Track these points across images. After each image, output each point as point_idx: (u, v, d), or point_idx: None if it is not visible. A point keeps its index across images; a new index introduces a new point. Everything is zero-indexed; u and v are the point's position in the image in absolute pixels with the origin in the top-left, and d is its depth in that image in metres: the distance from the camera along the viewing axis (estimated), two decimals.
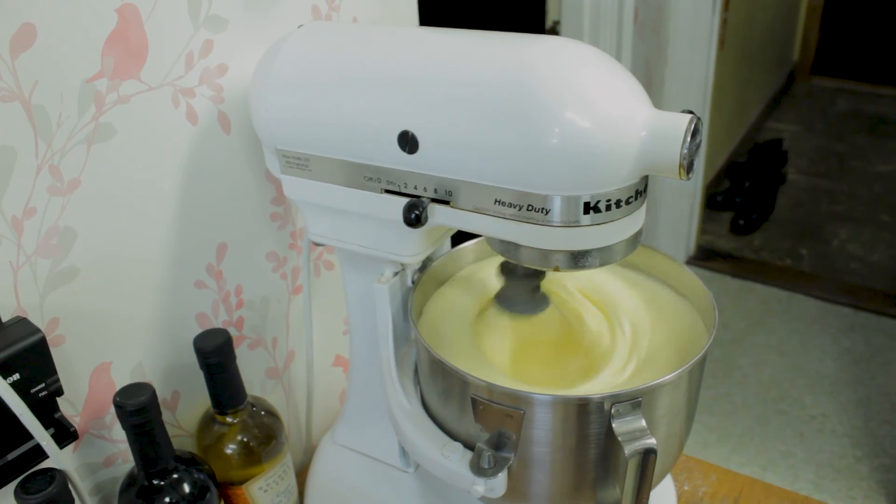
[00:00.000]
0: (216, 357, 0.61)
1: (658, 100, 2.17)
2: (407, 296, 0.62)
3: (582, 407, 0.50)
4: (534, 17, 1.67)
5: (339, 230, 0.59)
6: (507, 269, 0.63)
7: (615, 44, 1.75)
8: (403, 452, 0.70)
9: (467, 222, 0.52)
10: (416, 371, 0.63)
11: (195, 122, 0.62)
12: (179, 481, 0.60)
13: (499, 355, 0.59)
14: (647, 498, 0.52)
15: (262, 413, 0.68)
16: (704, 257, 2.49)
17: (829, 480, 1.72)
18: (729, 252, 2.54)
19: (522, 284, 0.62)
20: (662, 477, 0.62)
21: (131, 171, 0.58)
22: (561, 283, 0.64)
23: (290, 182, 0.59)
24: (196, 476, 0.61)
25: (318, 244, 0.62)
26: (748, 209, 2.65)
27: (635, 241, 0.52)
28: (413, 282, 0.62)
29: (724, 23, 2.24)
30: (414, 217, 0.52)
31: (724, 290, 2.34)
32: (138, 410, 0.55)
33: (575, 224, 0.48)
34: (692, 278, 0.61)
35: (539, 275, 0.62)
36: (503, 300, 0.63)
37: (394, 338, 0.62)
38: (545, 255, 0.50)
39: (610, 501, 0.56)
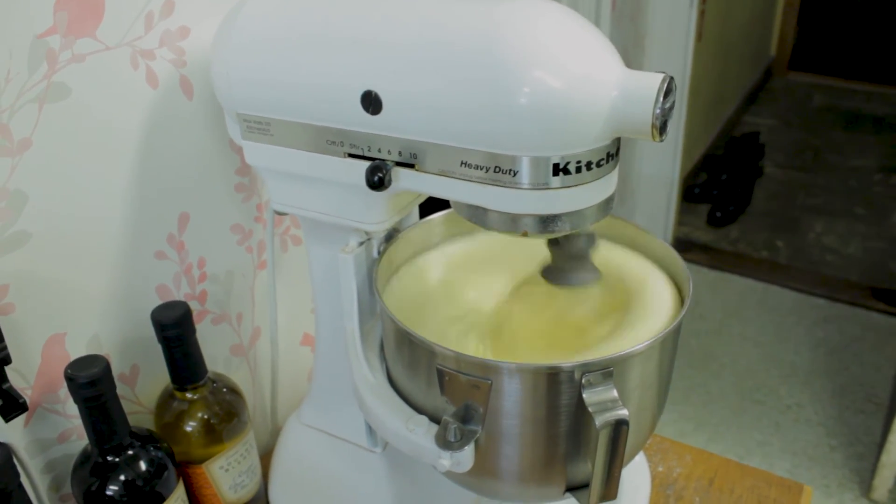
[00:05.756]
0: (174, 330, 0.59)
1: None
2: (373, 267, 0.60)
3: (551, 376, 0.49)
4: None
5: (302, 198, 0.57)
6: (556, 240, 0.58)
7: None
8: (370, 432, 0.68)
9: (433, 186, 0.50)
10: (381, 347, 0.61)
11: (155, 85, 0.60)
12: (135, 458, 0.58)
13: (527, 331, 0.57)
14: (619, 472, 0.51)
15: (224, 390, 0.65)
16: (681, 249, 2.50)
17: (805, 469, 1.73)
18: (706, 244, 2.55)
19: (572, 253, 0.59)
20: (634, 454, 0.61)
21: (88, 133, 0.56)
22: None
23: (252, 148, 0.57)
24: (153, 454, 0.59)
25: (280, 213, 0.60)
26: (725, 201, 2.66)
27: (607, 206, 0.50)
28: (379, 252, 0.60)
29: (702, 15, 2.24)
30: (377, 179, 0.50)
31: (700, 281, 2.34)
32: (90, 383, 0.53)
33: (544, 186, 0.47)
34: (667, 249, 0.60)
35: (590, 245, 0.58)
36: (551, 272, 0.59)
37: (359, 311, 0.60)
38: (514, 219, 0.49)
39: (581, 477, 0.54)
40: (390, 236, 0.62)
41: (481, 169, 0.47)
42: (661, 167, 2.34)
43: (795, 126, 3.32)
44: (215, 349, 0.72)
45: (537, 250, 0.61)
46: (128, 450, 0.57)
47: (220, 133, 0.66)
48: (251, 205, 0.71)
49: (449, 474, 0.57)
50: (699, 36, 2.23)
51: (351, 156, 0.52)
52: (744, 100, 3.39)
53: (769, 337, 2.12)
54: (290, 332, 0.81)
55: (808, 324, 2.16)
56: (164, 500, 0.59)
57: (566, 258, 0.59)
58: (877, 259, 2.43)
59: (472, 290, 0.62)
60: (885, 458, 1.61)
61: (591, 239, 0.58)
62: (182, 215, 0.65)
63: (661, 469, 0.75)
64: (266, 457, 0.75)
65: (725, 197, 2.68)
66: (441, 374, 0.51)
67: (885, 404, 1.87)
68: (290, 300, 0.79)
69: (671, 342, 0.55)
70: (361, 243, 0.59)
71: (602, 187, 0.49)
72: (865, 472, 1.71)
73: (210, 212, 0.67)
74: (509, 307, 0.60)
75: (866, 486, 1.68)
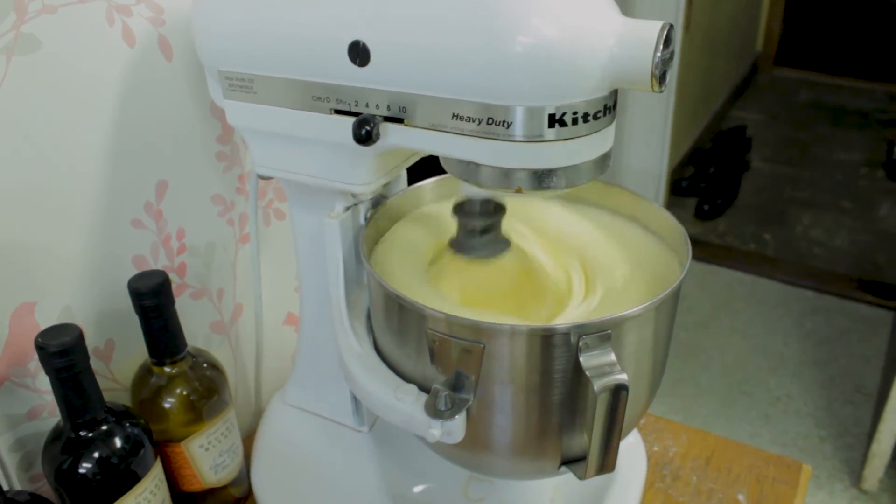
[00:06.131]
0: (152, 299, 0.56)
1: None
2: (359, 234, 0.57)
3: (546, 339, 0.46)
4: None
5: (286, 159, 0.55)
6: (462, 210, 0.57)
7: None
8: (357, 411, 0.66)
9: (423, 141, 0.48)
10: (368, 317, 0.59)
11: (132, 43, 0.57)
12: (109, 434, 0.55)
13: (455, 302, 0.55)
14: (618, 443, 0.49)
15: (205, 365, 0.63)
16: None
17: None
18: (694, 237, 2.53)
19: (479, 225, 0.57)
20: (631, 428, 0.59)
21: (60, 89, 0.53)
22: (518, 227, 0.60)
23: (234, 108, 0.54)
24: (129, 430, 0.56)
25: (263, 177, 0.57)
26: (713, 195, 2.65)
27: (603, 163, 0.48)
28: (366, 219, 0.58)
29: (690, 4, 2.23)
30: (364, 133, 0.47)
31: (688, 274, 2.33)
32: (62, 352, 0.50)
33: (538, 139, 0.44)
34: (663, 214, 0.58)
35: (497, 215, 0.57)
36: (459, 244, 0.58)
37: (345, 279, 0.58)
38: (507, 174, 0.47)
39: (577, 450, 0.52)
40: (377, 202, 0.59)
41: (474, 121, 0.45)
42: (649, 161, 2.33)
43: (782, 120, 3.32)
44: (195, 325, 0.69)
45: (518, 209, 0.60)
46: (102, 425, 0.54)
47: (201, 98, 0.63)
48: (233, 175, 0.68)
49: (439, 447, 0.55)
50: (687, 26, 2.22)
51: (337, 112, 0.50)
52: (731, 94, 3.39)
53: (757, 329, 2.12)
54: (273, 312, 0.78)
55: (797, 315, 2.16)
56: (139, 479, 0.57)
57: (469, 227, 0.57)
58: (863, 251, 2.43)
59: (460, 259, 0.59)
60: (875, 447, 1.60)
61: (496, 209, 0.56)
62: (160, 183, 0.62)
63: (656, 448, 0.73)
64: (248, 440, 0.73)
65: (713, 190, 2.67)
66: (431, 340, 0.49)
67: (874, 395, 1.86)
68: (272, 278, 0.76)
69: (670, 305, 0.53)
70: (348, 208, 0.56)
71: (598, 142, 0.47)
72: (855, 462, 1.70)
73: (189, 180, 0.64)
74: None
75: (856, 477, 1.67)
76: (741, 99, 3.51)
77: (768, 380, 1.94)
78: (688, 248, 0.54)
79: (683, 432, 0.74)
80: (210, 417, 0.63)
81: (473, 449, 0.53)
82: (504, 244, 0.58)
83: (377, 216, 0.58)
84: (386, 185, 0.60)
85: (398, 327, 0.52)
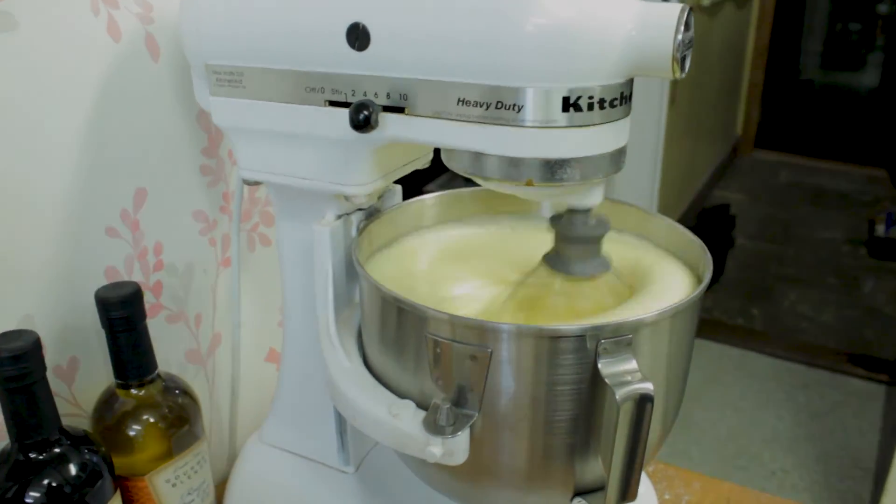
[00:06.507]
0: (122, 310, 0.51)
1: None
2: (353, 243, 0.53)
3: (559, 341, 0.42)
4: None
5: (275, 161, 0.51)
6: (559, 222, 0.50)
7: None
8: (342, 449, 0.60)
9: (425, 131, 0.45)
10: (358, 336, 0.54)
11: (118, 38, 0.54)
12: (63, 459, 0.49)
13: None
14: (641, 466, 0.43)
15: (176, 391, 0.57)
16: None
17: None
18: None
19: (576, 240, 0.50)
20: (648, 460, 0.53)
21: (35, 75, 0.49)
22: None
23: (221, 105, 0.51)
24: (87, 457, 0.50)
25: (250, 182, 0.53)
26: None
27: (619, 158, 0.45)
28: (358, 229, 0.54)
29: (676, 84, 2.27)
30: (363, 118, 0.44)
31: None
32: (14, 358, 0.45)
33: (551, 124, 0.41)
34: (674, 227, 0.55)
35: (598, 230, 0.50)
36: (552, 259, 0.51)
37: (334, 296, 0.53)
38: (516, 164, 0.43)
39: (590, 479, 0.47)
40: (370, 214, 0.55)
41: (481, 106, 0.42)
42: None
43: (764, 200, 3.36)
44: (169, 353, 0.64)
45: (538, 242, 0.54)
46: (55, 447, 0.48)
47: (188, 105, 0.60)
48: (217, 191, 0.64)
49: (436, 476, 0.49)
50: (672, 100, 2.25)
51: (332, 104, 0.47)
52: (713, 175, 3.44)
53: (749, 402, 2.06)
54: (255, 346, 0.72)
55: (788, 389, 2.11)
56: None
57: (571, 242, 0.52)
58: (851, 326, 2.41)
59: (461, 278, 0.55)
60: None
61: (601, 224, 0.50)
62: (139, 191, 0.58)
63: (668, 497, 0.67)
64: (220, 488, 0.66)
65: None
66: (433, 346, 0.44)
67: (872, 469, 1.80)
68: (255, 308, 0.71)
69: (688, 319, 0.49)
70: (339, 217, 0.52)
71: (614, 133, 0.44)
72: None
73: (170, 192, 0.60)
74: (502, 300, 0.53)
75: None
76: (723, 179, 3.55)
77: (762, 454, 1.88)
78: (706, 259, 0.51)
79: (695, 479, 0.69)
80: (180, 450, 0.56)
81: (475, 477, 0.47)
82: (603, 264, 0.51)
83: (371, 227, 0.54)
84: (380, 199, 0.57)
85: (395, 336, 0.47)
